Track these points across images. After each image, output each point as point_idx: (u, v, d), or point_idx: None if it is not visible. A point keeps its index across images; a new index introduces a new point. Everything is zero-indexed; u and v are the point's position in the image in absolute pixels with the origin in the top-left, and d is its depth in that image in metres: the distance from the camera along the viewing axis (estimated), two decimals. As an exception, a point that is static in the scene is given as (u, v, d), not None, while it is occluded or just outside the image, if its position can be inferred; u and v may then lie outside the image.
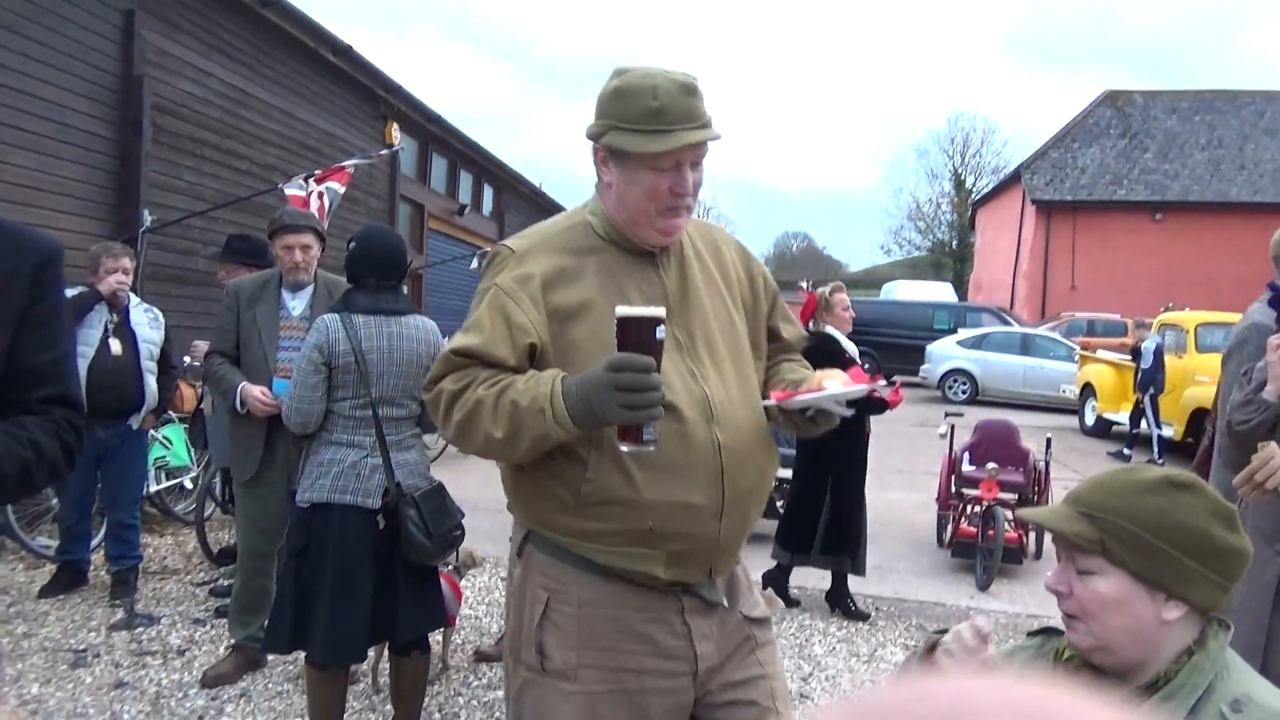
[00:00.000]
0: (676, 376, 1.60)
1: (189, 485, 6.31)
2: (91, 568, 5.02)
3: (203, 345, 4.27)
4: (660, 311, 1.51)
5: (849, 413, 1.71)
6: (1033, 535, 6.10)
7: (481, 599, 4.93)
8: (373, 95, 11.23)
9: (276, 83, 9.24)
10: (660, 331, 1.49)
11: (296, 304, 3.88)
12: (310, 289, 3.89)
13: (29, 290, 1.48)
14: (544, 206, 19.82)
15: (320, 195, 6.40)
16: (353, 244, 3.18)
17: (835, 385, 1.65)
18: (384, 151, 7.49)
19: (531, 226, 1.82)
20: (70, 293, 4.57)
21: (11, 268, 1.46)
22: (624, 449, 1.52)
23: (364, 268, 3.11)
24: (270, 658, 3.98)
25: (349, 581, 2.88)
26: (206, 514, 5.64)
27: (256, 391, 3.65)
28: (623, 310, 1.50)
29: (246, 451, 3.77)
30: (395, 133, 11.61)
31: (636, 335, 1.48)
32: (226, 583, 4.96)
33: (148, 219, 7.06)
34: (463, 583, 4.18)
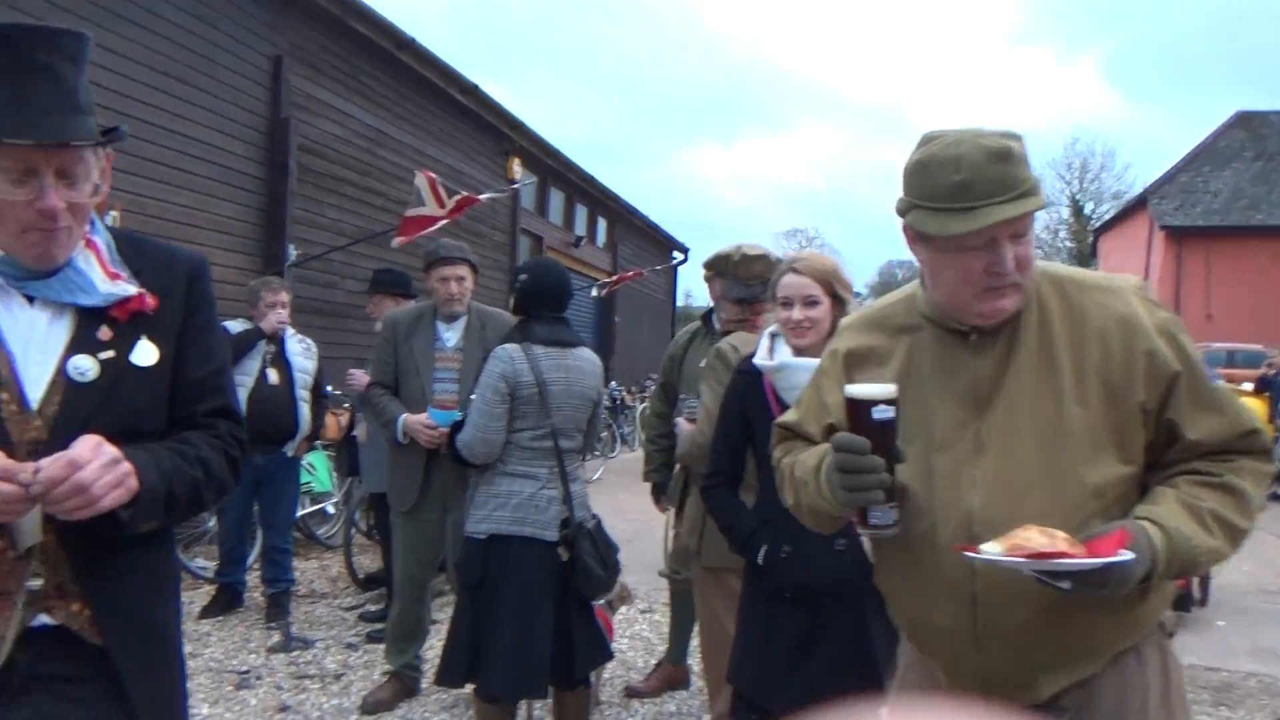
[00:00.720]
0: (941, 478, 1.47)
1: (330, 510, 6.49)
2: (245, 589, 5.20)
3: (358, 374, 4.38)
4: (884, 391, 1.43)
5: (1064, 586, 1.30)
6: (1196, 581, 5.69)
7: (623, 632, 4.87)
8: (496, 131, 11.54)
9: (409, 121, 9.58)
10: (879, 412, 1.41)
11: (451, 335, 3.94)
12: (464, 320, 3.94)
13: (184, 304, 1.51)
14: (656, 238, 19.95)
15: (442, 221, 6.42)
16: (523, 276, 3.21)
17: (1037, 543, 1.29)
18: (515, 185, 7.65)
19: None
20: (233, 328, 4.78)
21: (165, 283, 1.49)
22: (859, 532, 1.54)
23: (536, 300, 3.13)
24: (424, 686, 4.01)
25: (529, 615, 2.86)
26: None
27: (419, 423, 3.71)
28: (850, 390, 1.47)
29: (406, 480, 3.82)
30: (516, 168, 11.88)
31: (856, 416, 1.43)
32: (374, 608, 5.05)
33: (293, 254, 7.36)
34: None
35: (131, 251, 1.51)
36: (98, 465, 1.25)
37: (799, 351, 2.40)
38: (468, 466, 3.20)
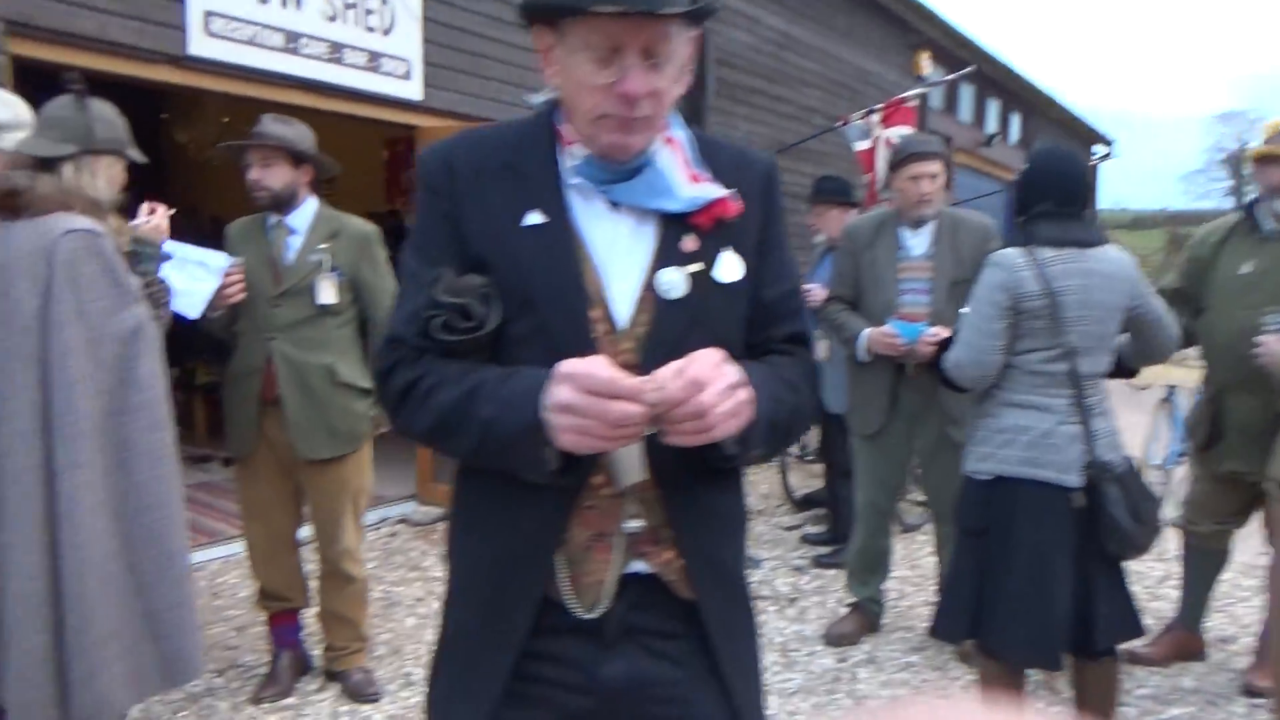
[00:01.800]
0: None
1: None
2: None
3: (814, 287, 4.13)
4: None
5: None
6: None
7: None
8: (904, 24, 10.64)
9: (814, 20, 9.09)
10: None
11: (918, 242, 3.50)
12: (932, 225, 3.48)
13: (761, 212, 1.27)
14: (1077, 131, 17.65)
15: (888, 141, 5.92)
16: (1025, 167, 2.70)
17: None
18: (950, 77, 6.86)
19: None
20: None
21: (742, 188, 1.24)
22: None
23: (1040, 193, 2.59)
24: (885, 621, 3.75)
25: (1044, 573, 2.42)
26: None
27: (884, 335, 3.36)
28: None
29: (870, 403, 3.51)
30: (925, 62, 10.90)
31: None
32: (814, 530, 4.90)
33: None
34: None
35: (706, 150, 1.29)
36: (720, 388, 1.06)
37: None
38: (957, 390, 2.80)
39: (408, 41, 5.03)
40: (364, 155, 7.89)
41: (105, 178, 2.39)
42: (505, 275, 1.18)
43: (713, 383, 1.05)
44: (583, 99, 1.15)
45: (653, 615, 1.22)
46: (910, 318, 3.38)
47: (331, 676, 3.15)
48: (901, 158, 3.46)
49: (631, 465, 1.13)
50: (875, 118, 5.89)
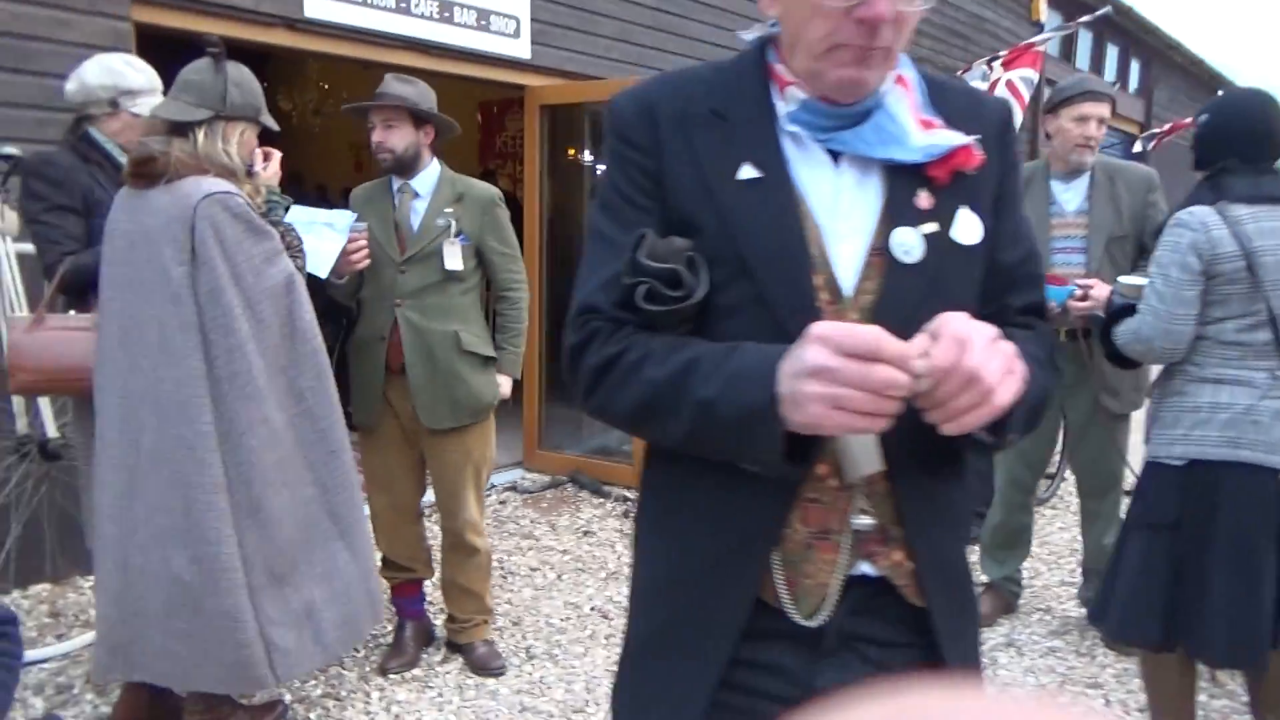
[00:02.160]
0: None
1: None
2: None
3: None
4: None
5: None
6: None
7: None
8: (1018, -33, 10.03)
9: (927, -33, 8.63)
10: None
11: (1071, 196, 3.23)
12: (1087, 178, 3.20)
13: (998, 164, 1.08)
14: (1201, 80, 16.56)
15: (1009, 84, 5.58)
16: (1204, 117, 2.42)
17: None
18: (1085, 19, 6.36)
19: None
20: None
21: (976, 134, 1.06)
22: None
23: (1225, 145, 2.33)
24: (1021, 602, 3.55)
25: (1251, 566, 2.19)
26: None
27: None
28: None
29: (1015, 372, 3.28)
30: (1042, 7, 10.28)
31: None
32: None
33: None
34: None
35: (936, 92, 1.11)
36: (988, 347, 0.89)
37: None
38: (1126, 366, 2.56)
39: (515, -2, 4.90)
40: (457, 117, 7.85)
41: (238, 143, 2.33)
42: (715, 237, 1.03)
43: (978, 343, 0.88)
44: (812, 26, 0.98)
45: (875, 622, 1.08)
46: (1061, 281, 3.13)
47: (454, 648, 3.12)
48: (1066, 96, 3.17)
49: (867, 453, 0.98)
50: (997, 63, 5.57)
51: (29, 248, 2.77)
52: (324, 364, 2.26)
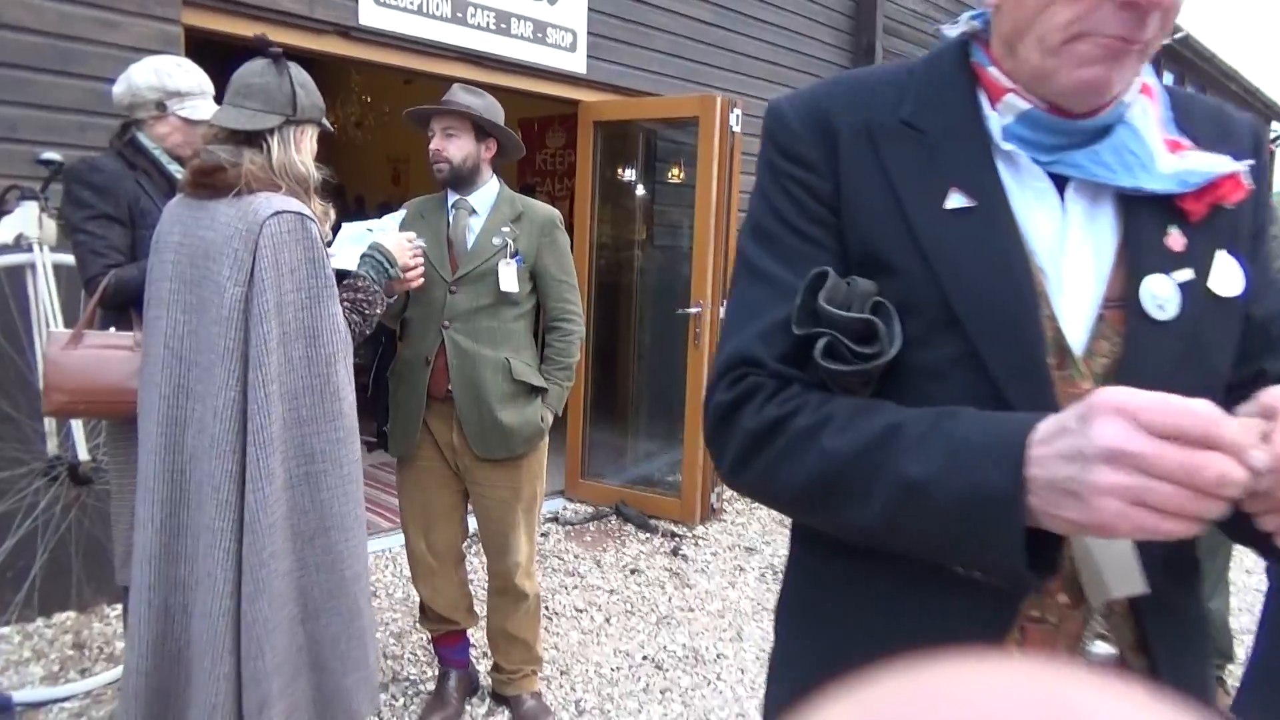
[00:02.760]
0: None
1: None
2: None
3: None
4: None
5: None
6: None
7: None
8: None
9: (986, -11, 8.40)
10: None
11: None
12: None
13: (1252, 197, 0.86)
14: (1255, 109, 16.17)
15: None
16: None
17: None
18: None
19: None
20: None
21: (1239, 158, 0.84)
22: None
23: None
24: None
25: None
26: None
27: None
28: None
29: None
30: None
31: None
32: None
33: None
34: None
35: (1180, 106, 0.89)
36: None
37: None
38: None
39: (574, 10, 4.73)
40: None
41: (308, 151, 2.16)
42: (915, 280, 0.81)
43: None
44: (1054, 11, 0.77)
45: None
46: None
47: (500, 700, 2.90)
48: None
49: (1124, 567, 0.76)
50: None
51: (66, 258, 2.62)
52: (350, 426, 2.01)
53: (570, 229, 6.67)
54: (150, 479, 1.98)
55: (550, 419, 2.77)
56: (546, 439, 2.79)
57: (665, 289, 5.25)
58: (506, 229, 2.68)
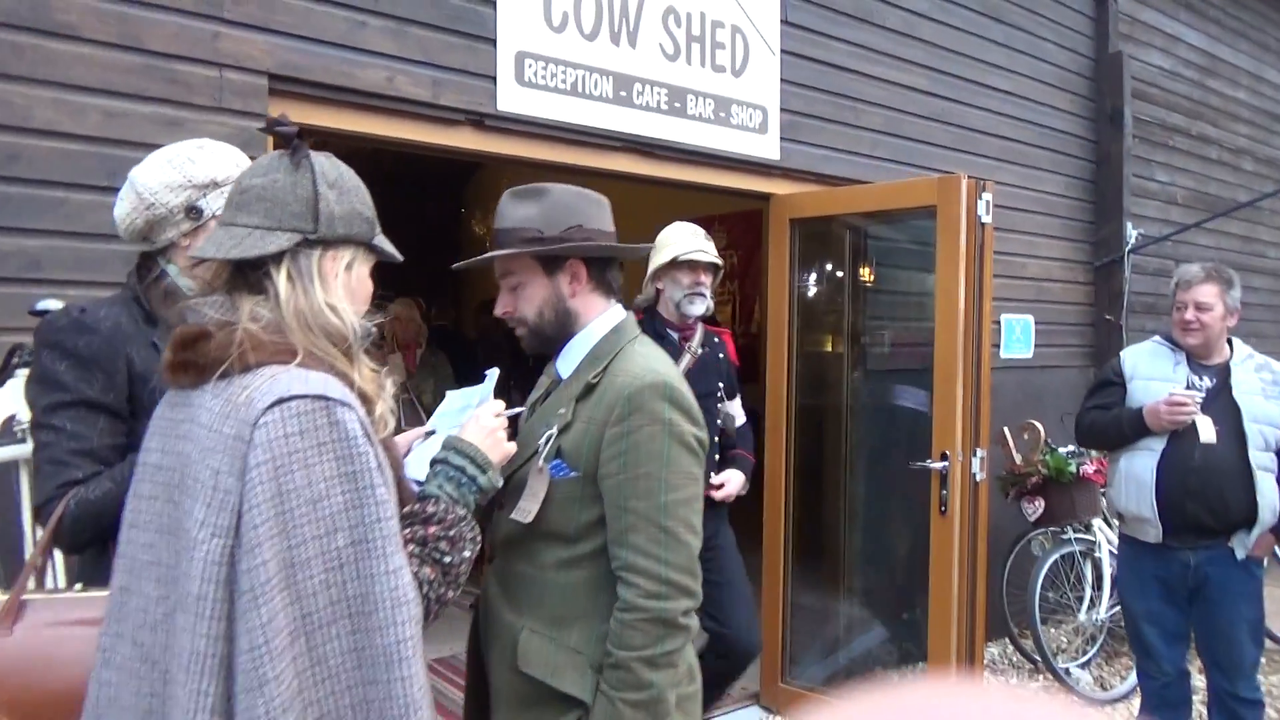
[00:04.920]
0: None
1: None
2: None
3: None
4: None
5: None
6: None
7: None
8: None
9: (1242, 36, 6.97)
10: None
11: None
12: None
13: None
14: None
15: None
16: None
17: None
18: None
19: None
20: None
21: None
22: None
23: None
24: None
25: None
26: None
27: None
28: None
29: None
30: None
31: None
32: None
33: (1132, 235, 5.45)
34: None
35: None
36: None
37: None
38: None
39: (764, 82, 3.76)
40: (647, 230, 6.79)
41: (346, 286, 1.26)
42: None
43: None
44: None
45: None
46: None
47: None
48: None
49: None
50: None
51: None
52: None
53: (753, 352, 5.54)
54: None
55: None
56: None
57: (886, 429, 4.07)
58: (564, 410, 1.61)
